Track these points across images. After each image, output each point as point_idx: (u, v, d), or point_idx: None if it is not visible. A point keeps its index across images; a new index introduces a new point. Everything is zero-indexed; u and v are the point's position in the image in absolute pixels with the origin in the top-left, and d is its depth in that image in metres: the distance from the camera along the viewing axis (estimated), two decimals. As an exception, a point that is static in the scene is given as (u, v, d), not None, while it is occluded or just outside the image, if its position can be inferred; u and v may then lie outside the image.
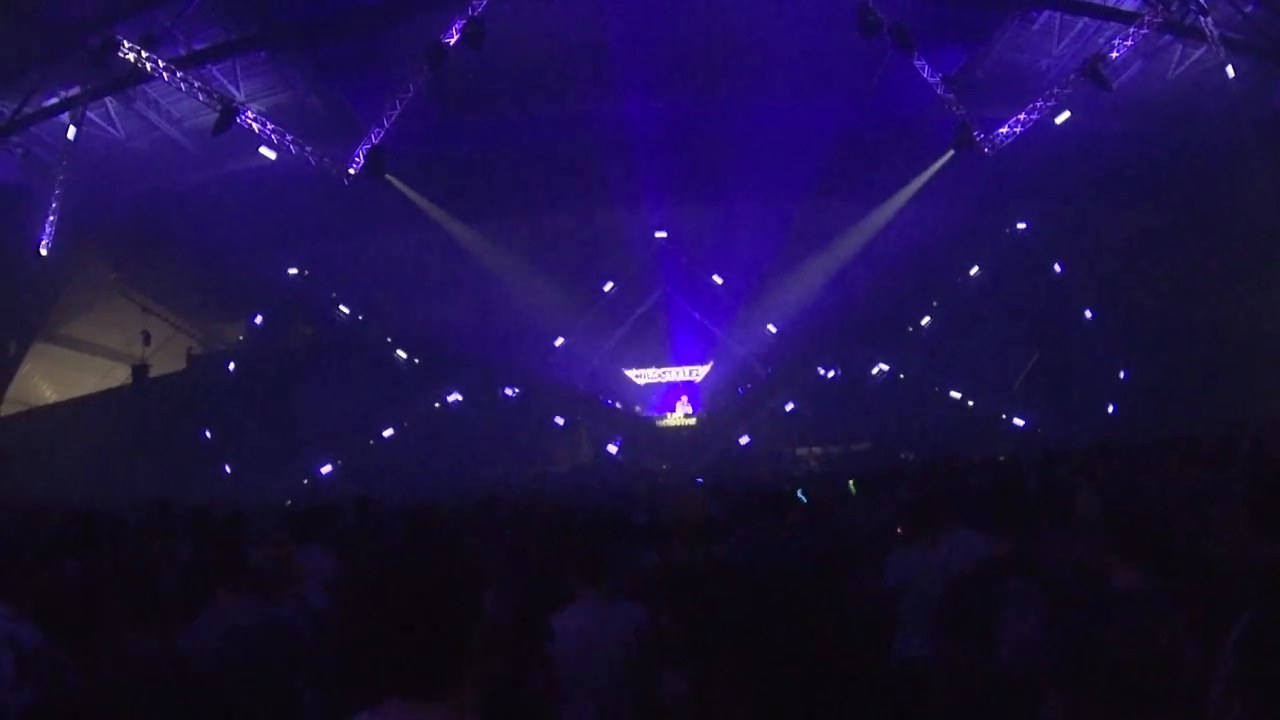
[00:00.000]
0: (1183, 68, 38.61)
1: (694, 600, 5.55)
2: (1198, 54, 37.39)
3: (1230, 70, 35.53)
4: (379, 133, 36.18)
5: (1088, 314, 44.85)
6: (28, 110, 35.35)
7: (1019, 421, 43.64)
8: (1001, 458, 24.70)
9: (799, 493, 16.34)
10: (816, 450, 44.21)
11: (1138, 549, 5.64)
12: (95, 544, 11.04)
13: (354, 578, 3.26)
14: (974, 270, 46.23)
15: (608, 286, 48.67)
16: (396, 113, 35.68)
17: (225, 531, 8.87)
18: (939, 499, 9.39)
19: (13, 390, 43.15)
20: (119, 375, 45.80)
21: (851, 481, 17.03)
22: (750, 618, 2.66)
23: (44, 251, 36.49)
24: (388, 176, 38.58)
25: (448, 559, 3.24)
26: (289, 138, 35.75)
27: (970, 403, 44.90)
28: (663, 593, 6.68)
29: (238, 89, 36.91)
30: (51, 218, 36.17)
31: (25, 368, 44.02)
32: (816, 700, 2.54)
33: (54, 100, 35.72)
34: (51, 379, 46.77)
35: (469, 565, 3.38)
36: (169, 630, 6.38)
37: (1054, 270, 45.61)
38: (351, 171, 36.66)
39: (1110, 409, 43.16)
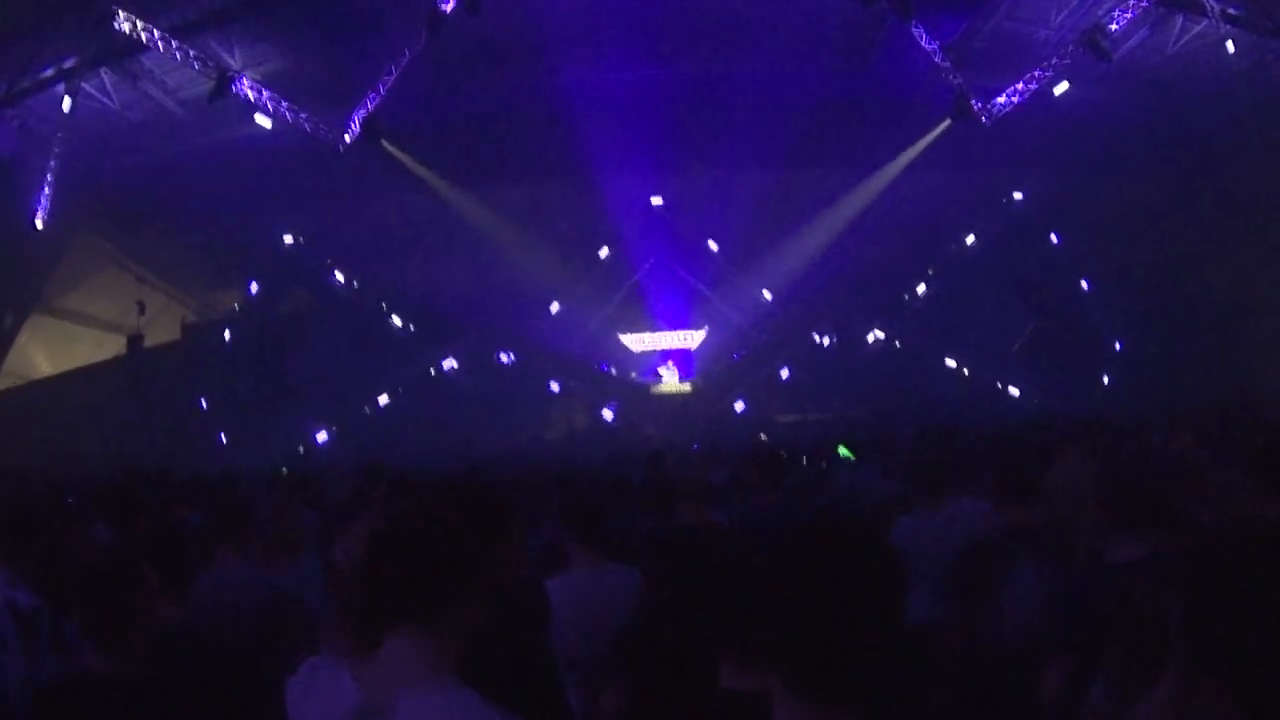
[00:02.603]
0: (1183, 41, 38.48)
1: (697, 563, 5.55)
2: (1198, 28, 37.31)
3: (1230, 45, 35.52)
4: (375, 99, 36.16)
5: (1084, 285, 44.93)
6: (23, 82, 35.30)
7: (1014, 391, 43.70)
8: (999, 428, 24.79)
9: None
10: (804, 417, 44.25)
11: (1136, 518, 5.67)
12: (124, 510, 11.11)
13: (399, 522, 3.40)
14: (970, 239, 46.19)
15: (603, 252, 48.51)
16: (392, 79, 35.66)
17: (232, 497, 8.86)
18: (940, 466, 9.42)
19: (9, 363, 43.18)
20: (114, 346, 45.84)
21: (841, 446, 17.00)
22: (759, 579, 2.67)
23: (40, 224, 36.46)
24: (383, 143, 38.55)
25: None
26: (285, 105, 35.73)
27: (965, 371, 44.88)
28: (663, 556, 6.68)
29: (233, 57, 36.69)
30: (47, 190, 36.13)
31: (21, 339, 44.01)
32: (827, 660, 2.55)
33: (49, 72, 35.60)
34: (47, 350, 46.67)
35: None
36: (186, 599, 6.40)
37: (1050, 241, 45.56)
38: (347, 138, 36.63)
39: (1105, 380, 43.23)
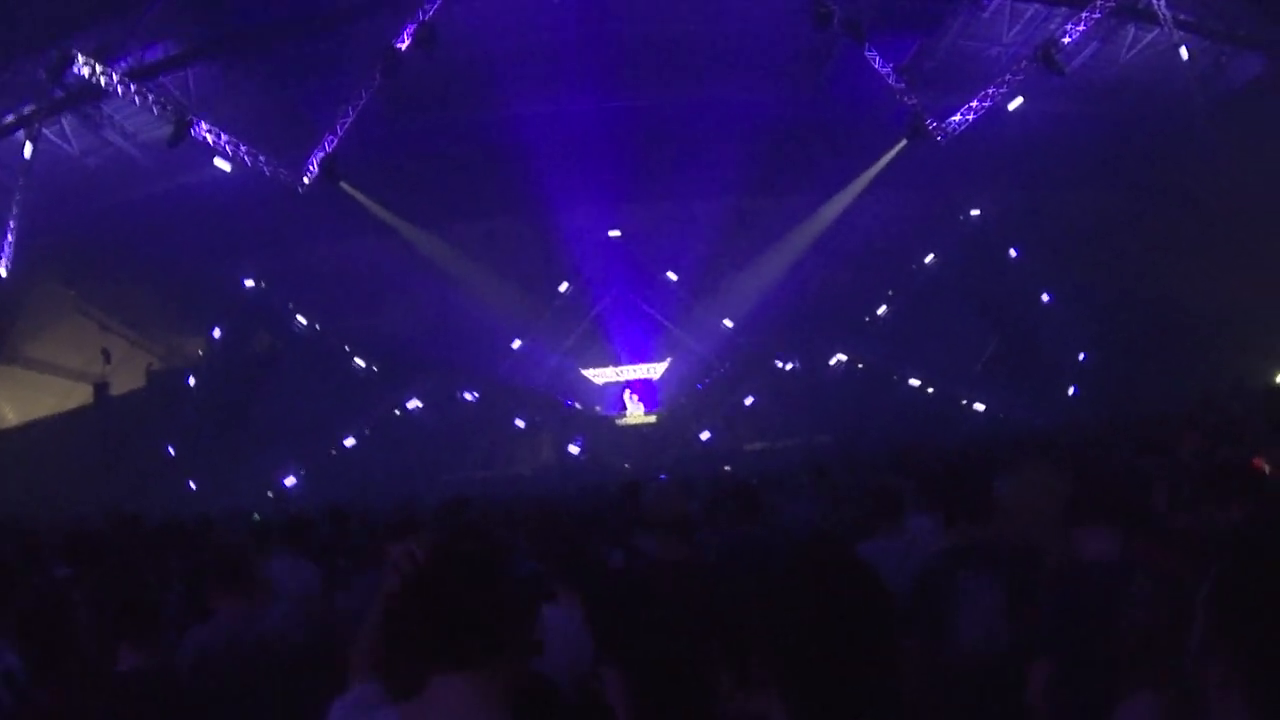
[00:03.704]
0: (1135, 50, 38.83)
1: (684, 594, 5.62)
2: (1150, 36, 37.71)
3: (1184, 52, 35.83)
4: (332, 140, 36.16)
5: (1045, 297, 45.08)
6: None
7: (979, 406, 43.83)
8: (963, 444, 24.91)
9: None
10: (771, 445, 44.35)
11: (1105, 520, 5.76)
12: (81, 556, 11.08)
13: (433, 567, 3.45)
14: (929, 258, 46.38)
15: (563, 287, 48.63)
16: (350, 120, 35.69)
17: (223, 544, 8.87)
18: (898, 489, 9.52)
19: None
20: (80, 395, 45.61)
21: (806, 474, 17.10)
22: (754, 605, 2.74)
23: (2, 272, 36.31)
24: (342, 184, 38.57)
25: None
26: (244, 148, 35.66)
27: (930, 390, 44.95)
28: (645, 590, 6.72)
29: (190, 101, 36.55)
30: (9, 238, 35.99)
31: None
32: (825, 680, 2.62)
33: (10, 118, 35.53)
34: (13, 400, 46.44)
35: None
36: (159, 643, 6.41)
37: (1009, 255, 45.73)
38: (306, 180, 36.64)
39: (1071, 391, 43.41)
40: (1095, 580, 5.47)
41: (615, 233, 46.86)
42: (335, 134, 36.09)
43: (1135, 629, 4.65)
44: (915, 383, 45.21)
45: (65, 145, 38.10)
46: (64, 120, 37.03)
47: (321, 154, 36.38)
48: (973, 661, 6.30)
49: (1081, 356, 43.77)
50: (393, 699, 3.50)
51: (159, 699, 5.54)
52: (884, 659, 2.68)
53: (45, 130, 35.96)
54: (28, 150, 34.92)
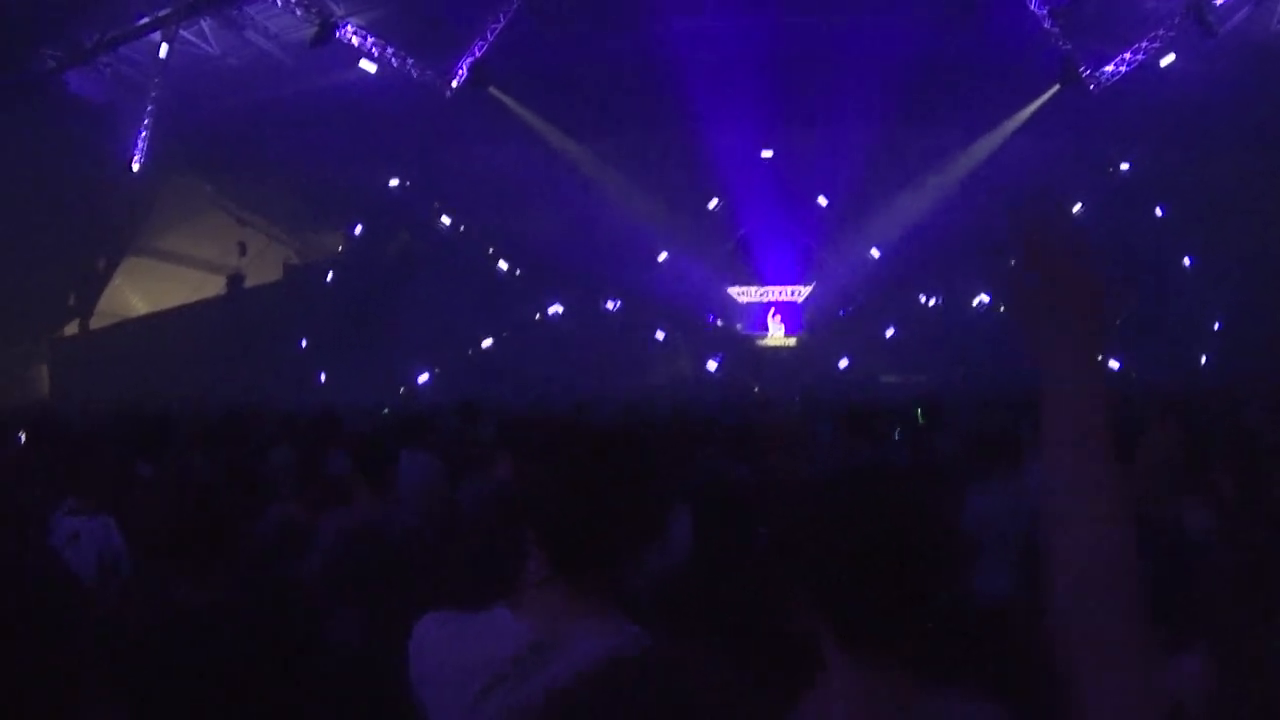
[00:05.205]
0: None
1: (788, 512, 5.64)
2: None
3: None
4: (482, 46, 36.27)
5: (1186, 261, 44.49)
6: (116, 31, 35.52)
7: (1114, 364, 43.34)
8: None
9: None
10: (907, 379, 44.09)
11: (1212, 491, 5.74)
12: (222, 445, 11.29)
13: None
14: (1077, 207, 45.77)
15: (712, 204, 48.40)
16: (500, 26, 35.76)
17: (369, 438, 8.87)
18: (1018, 434, 9.47)
19: (103, 303, 43.68)
20: (213, 287, 46.31)
21: (919, 409, 16.94)
22: (840, 533, 2.77)
23: (136, 168, 36.75)
24: (491, 89, 38.68)
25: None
26: (390, 50, 35.84)
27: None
28: (757, 505, 6.74)
29: (336, 2, 36.71)
30: (144, 134, 36.40)
31: (116, 281, 44.55)
32: (897, 624, 2.66)
33: (145, 20, 35.64)
34: (143, 292, 47.25)
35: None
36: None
37: (1155, 214, 45.11)
38: (454, 84, 36.77)
39: (1203, 359, 42.83)
40: (1193, 551, 5.46)
41: (768, 153, 46.42)
42: (485, 39, 36.16)
43: (1226, 604, 4.64)
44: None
45: (205, 46, 38.21)
46: (203, 23, 37.05)
47: (471, 59, 36.48)
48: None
49: (1217, 325, 43.16)
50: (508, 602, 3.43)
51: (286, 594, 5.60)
52: (939, 607, 2.71)
53: (184, 32, 36.26)
54: (163, 51, 35.36)
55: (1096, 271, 2.52)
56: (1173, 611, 4.89)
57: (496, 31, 35.82)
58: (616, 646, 3.12)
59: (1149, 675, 2.19)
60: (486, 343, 44.91)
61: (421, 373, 42.62)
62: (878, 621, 2.69)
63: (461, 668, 3.27)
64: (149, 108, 36.44)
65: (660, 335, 47.42)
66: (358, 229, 47.95)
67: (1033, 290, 2.60)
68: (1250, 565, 4.58)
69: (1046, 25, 35.81)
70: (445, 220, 47.17)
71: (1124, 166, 45.33)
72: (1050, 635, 2.25)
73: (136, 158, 36.64)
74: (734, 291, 49.85)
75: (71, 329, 44.23)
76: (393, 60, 35.94)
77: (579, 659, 3.06)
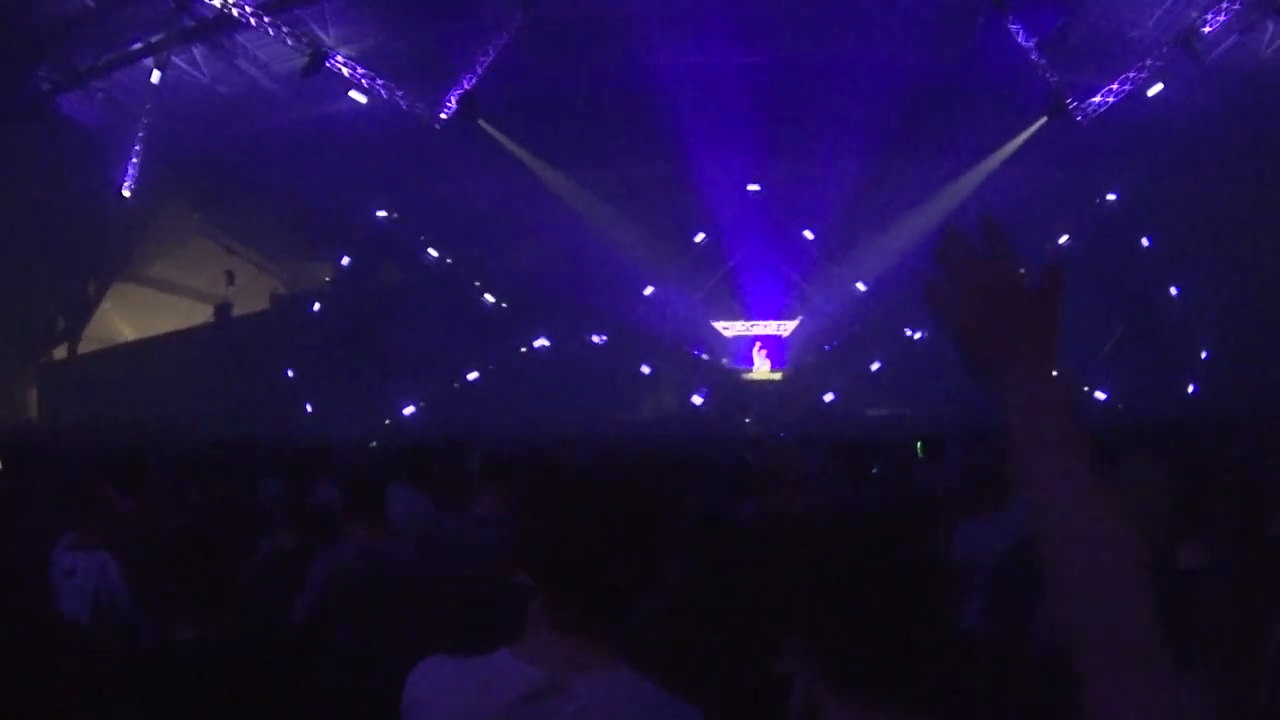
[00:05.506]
0: (1275, 45, 38.14)
1: (787, 549, 5.66)
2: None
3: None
4: (471, 78, 36.38)
5: (1173, 290, 44.54)
6: (110, 55, 35.62)
7: (1100, 395, 43.39)
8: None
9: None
10: (893, 412, 44.19)
11: (1203, 526, 5.74)
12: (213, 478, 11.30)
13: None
14: (1064, 239, 45.84)
15: (698, 237, 48.43)
16: (490, 58, 35.88)
17: (362, 472, 8.88)
18: (1005, 469, 9.48)
19: (91, 328, 43.79)
20: (201, 315, 46.53)
21: (919, 443, 16.98)
22: (829, 569, 2.77)
23: (127, 193, 36.82)
24: (480, 121, 38.74)
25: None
26: (379, 81, 35.93)
27: (1054, 373, 44.36)
28: (759, 543, 6.75)
29: (327, 34, 36.87)
30: (135, 159, 36.48)
31: (105, 307, 44.60)
32: (882, 657, 2.66)
33: (138, 45, 35.89)
34: (131, 319, 47.37)
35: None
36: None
37: (1142, 244, 45.14)
38: (443, 116, 36.87)
39: (1190, 388, 42.92)
40: (1185, 586, 5.45)
41: (754, 187, 46.55)
42: (475, 72, 36.29)
43: (1220, 640, 4.64)
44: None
45: (196, 73, 38.41)
46: (195, 50, 37.23)
47: (460, 91, 36.59)
48: (1051, 650, 6.29)
49: (1204, 354, 43.22)
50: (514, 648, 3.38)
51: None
52: (911, 638, 2.70)
53: (176, 59, 36.31)
54: (155, 77, 35.37)
55: (1015, 265, 2.47)
56: (1169, 645, 4.89)
57: (486, 64, 35.95)
58: (618, 691, 3.18)
59: (1175, 684, 2.15)
60: (472, 375, 44.94)
61: (407, 404, 42.68)
62: (866, 660, 2.68)
63: (463, 713, 3.24)
64: (140, 133, 36.51)
65: (646, 369, 47.50)
66: (345, 260, 47.94)
67: (956, 301, 2.51)
68: (1244, 599, 4.59)
69: (1033, 57, 35.97)
70: (432, 252, 47.16)
71: (1111, 197, 45.31)
72: (1066, 657, 2.23)
73: (127, 184, 36.68)
74: (720, 325, 49.98)
75: (60, 353, 44.35)
76: (382, 91, 36.04)
77: (582, 704, 3.11)
